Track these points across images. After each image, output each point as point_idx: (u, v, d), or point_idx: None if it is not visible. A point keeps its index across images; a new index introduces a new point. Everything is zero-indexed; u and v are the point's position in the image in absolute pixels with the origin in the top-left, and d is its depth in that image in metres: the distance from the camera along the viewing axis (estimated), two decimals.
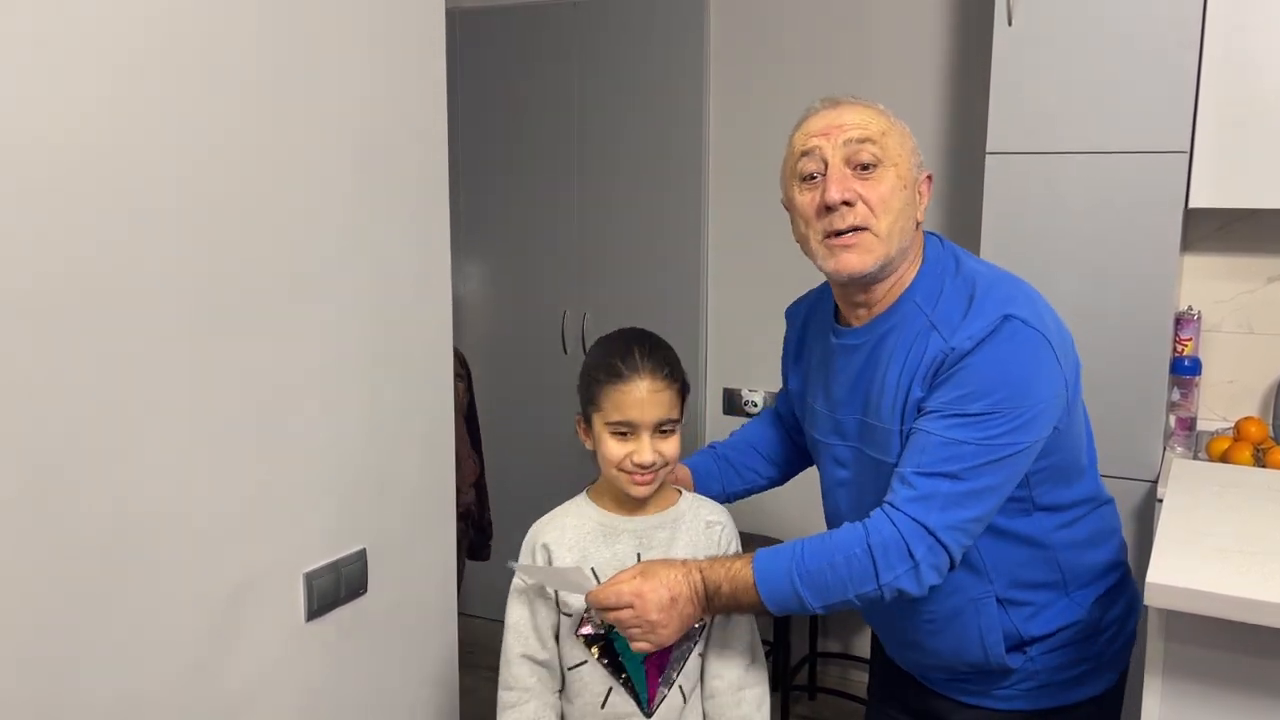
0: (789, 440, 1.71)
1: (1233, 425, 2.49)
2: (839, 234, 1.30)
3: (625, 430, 1.39)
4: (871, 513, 1.28)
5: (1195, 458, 2.48)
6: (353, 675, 1.68)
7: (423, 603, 1.83)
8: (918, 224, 1.36)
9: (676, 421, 1.41)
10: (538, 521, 1.51)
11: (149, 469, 1.32)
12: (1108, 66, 2.36)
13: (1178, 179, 2.33)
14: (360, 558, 1.67)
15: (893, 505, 1.26)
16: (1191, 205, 2.36)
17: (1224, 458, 2.35)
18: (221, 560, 1.43)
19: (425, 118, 1.74)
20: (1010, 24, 2.43)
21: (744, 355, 3.26)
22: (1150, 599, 1.12)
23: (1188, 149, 2.32)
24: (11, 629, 1.18)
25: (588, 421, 1.46)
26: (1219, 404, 2.67)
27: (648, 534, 1.44)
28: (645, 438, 1.38)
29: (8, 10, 1.12)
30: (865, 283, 1.34)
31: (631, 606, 1.27)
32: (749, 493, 1.69)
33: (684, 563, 1.33)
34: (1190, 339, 2.58)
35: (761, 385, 3.25)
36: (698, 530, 1.47)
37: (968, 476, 1.23)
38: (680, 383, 1.43)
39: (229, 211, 1.40)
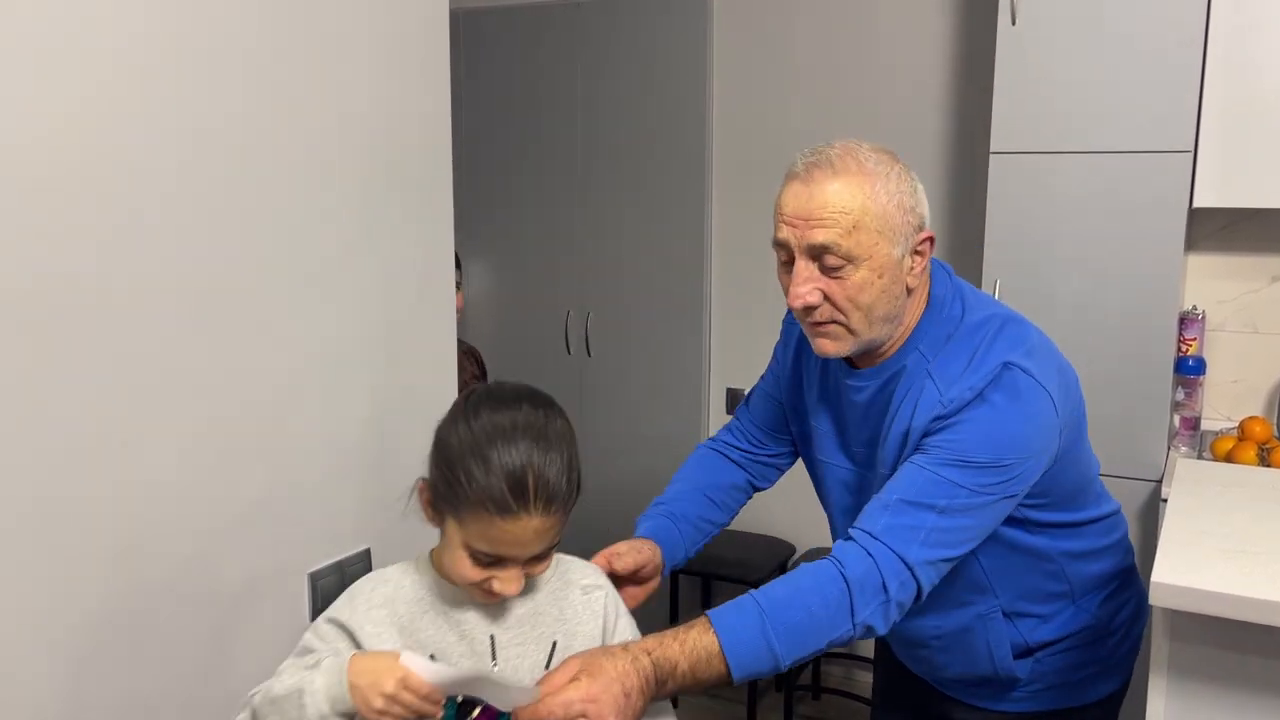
0: (738, 475, 1.57)
1: (1237, 425, 2.49)
2: (814, 323, 1.27)
3: (491, 561, 1.11)
4: (841, 543, 1.21)
5: (1199, 457, 2.47)
6: None
7: None
8: (909, 290, 1.27)
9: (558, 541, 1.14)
10: (345, 593, 1.22)
11: (152, 469, 1.32)
12: (1111, 66, 2.36)
13: (1182, 179, 2.33)
14: (364, 558, 1.67)
15: (870, 535, 1.18)
16: (1195, 205, 2.36)
17: (1228, 457, 2.35)
18: (226, 561, 1.43)
19: (430, 118, 1.74)
20: (1014, 23, 2.43)
21: (747, 354, 3.26)
22: (1155, 599, 1.11)
23: (1192, 148, 2.32)
24: (16, 630, 1.18)
25: (436, 507, 1.18)
26: (1223, 404, 2.67)
27: (503, 609, 1.16)
28: (517, 569, 1.11)
29: (17, 10, 1.13)
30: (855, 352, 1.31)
31: (585, 715, 1.04)
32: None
33: (624, 648, 1.12)
34: (1194, 339, 2.58)
35: None
36: (572, 598, 1.20)
37: (955, 513, 1.19)
38: (575, 497, 1.11)
39: (232, 211, 1.40)
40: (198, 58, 1.33)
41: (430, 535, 1.85)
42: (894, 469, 1.27)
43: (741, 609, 1.15)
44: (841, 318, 1.24)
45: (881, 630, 1.18)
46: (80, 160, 1.21)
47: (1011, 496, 1.24)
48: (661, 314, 3.27)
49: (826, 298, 1.23)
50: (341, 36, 1.54)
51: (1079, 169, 2.43)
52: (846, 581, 1.15)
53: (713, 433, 3.30)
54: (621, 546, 1.35)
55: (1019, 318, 1.32)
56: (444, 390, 1.83)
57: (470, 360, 2.21)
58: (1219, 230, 2.62)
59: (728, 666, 1.12)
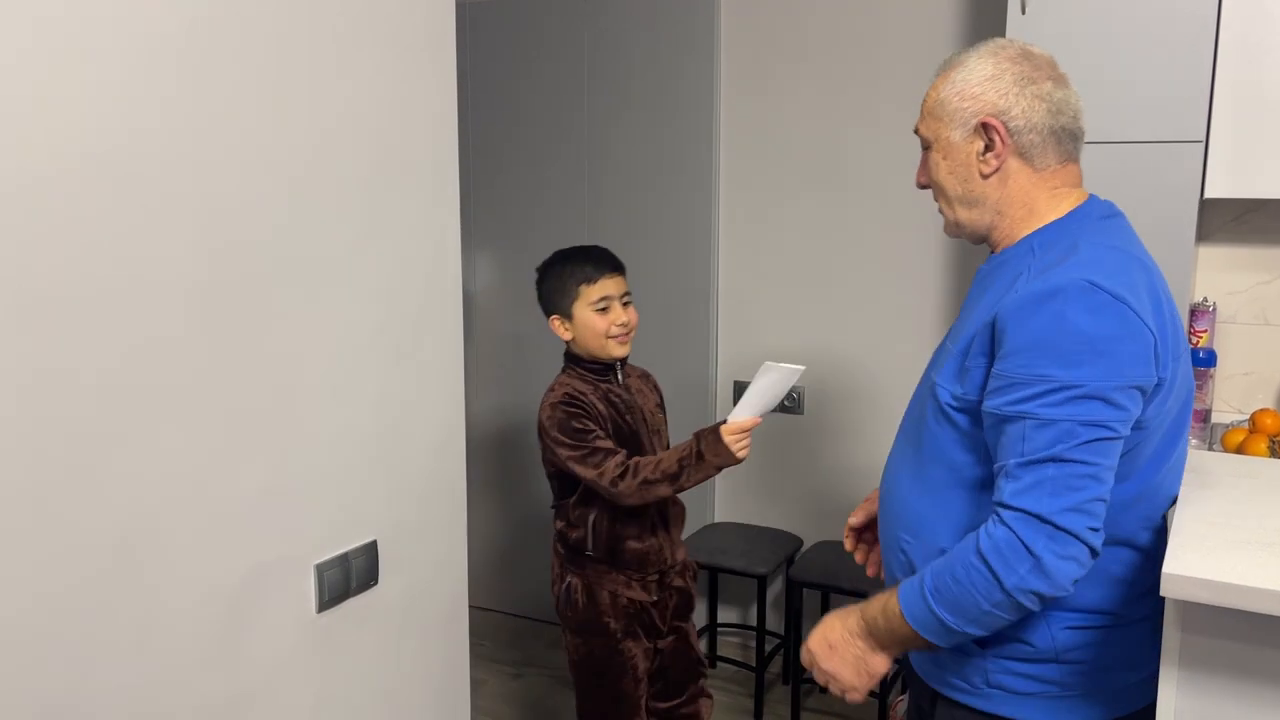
0: None
1: (1248, 417, 2.47)
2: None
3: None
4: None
5: (1210, 450, 2.46)
6: (364, 666, 1.69)
7: (434, 594, 1.83)
8: (983, 175, 1.34)
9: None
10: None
11: (161, 461, 1.32)
12: (1122, 55, 2.34)
13: (1193, 169, 2.31)
14: (371, 549, 1.67)
15: (1001, 504, 1.20)
16: (1207, 195, 2.34)
17: (1239, 450, 2.33)
18: (233, 552, 1.43)
19: (436, 111, 1.73)
20: (1024, 12, 2.42)
21: (754, 348, 3.25)
22: (1167, 590, 1.10)
23: (1203, 138, 2.30)
24: (24, 621, 1.19)
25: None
26: (1234, 396, 2.65)
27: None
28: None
29: (23, 10, 1.12)
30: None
31: (816, 666, 1.41)
32: None
33: (848, 610, 1.38)
34: (1205, 330, 2.57)
35: None
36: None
37: (1073, 456, 1.17)
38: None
39: (240, 204, 1.40)
40: (208, 52, 1.33)
41: (441, 527, 1.85)
42: (966, 344, 1.28)
43: (913, 586, 1.27)
44: (936, 198, 1.42)
45: (1052, 591, 1.19)
46: (96, 154, 1.21)
47: (1121, 432, 1.19)
48: (668, 307, 3.26)
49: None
50: (347, 29, 1.54)
51: (1089, 159, 2.37)
52: (982, 552, 1.20)
53: None
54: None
55: (1141, 263, 1.29)
56: (450, 382, 1.83)
57: (649, 385, 2.22)
58: (1230, 221, 2.60)
59: (910, 627, 1.27)
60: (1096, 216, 1.35)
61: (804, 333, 3.17)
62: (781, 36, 3.08)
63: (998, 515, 1.20)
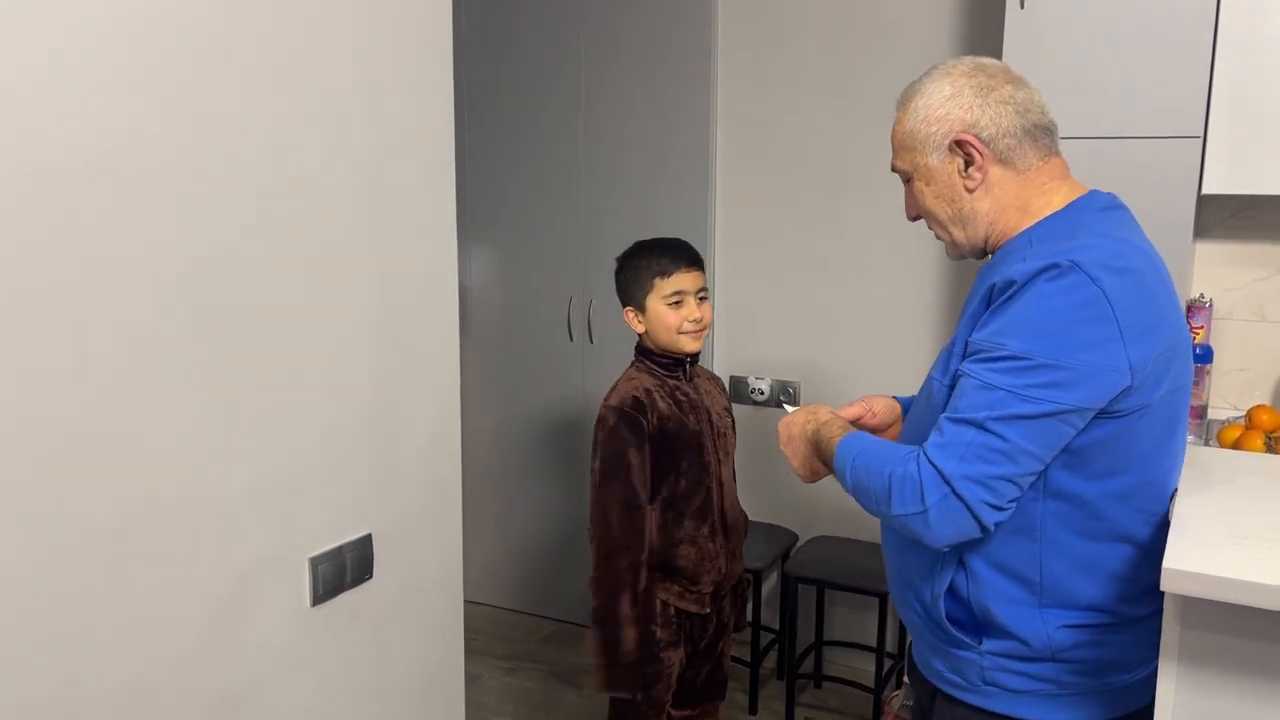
0: None
1: (1244, 414, 2.47)
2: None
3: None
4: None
5: (1206, 445, 2.46)
6: (359, 660, 1.68)
7: (429, 588, 1.82)
8: (969, 190, 1.36)
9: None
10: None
11: (155, 455, 1.31)
12: (1121, 50, 2.34)
13: (1191, 165, 2.31)
14: (366, 543, 1.66)
15: (923, 449, 1.25)
16: (1205, 191, 2.33)
17: (1235, 446, 2.33)
18: (228, 545, 1.43)
19: (433, 104, 1.72)
20: (1023, 7, 2.41)
21: (751, 343, 3.25)
22: (1167, 585, 1.10)
23: (1201, 134, 2.30)
24: (20, 616, 1.18)
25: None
26: (1230, 392, 2.65)
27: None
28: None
29: (17, 12, 1.11)
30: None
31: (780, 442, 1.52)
32: None
33: (816, 410, 1.49)
34: (1202, 327, 2.57)
35: (768, 374, 3.24)
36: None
37: (996, 428, 1.19)
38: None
39: (235, 198, 1.39)
40: (204, 48, 1.32)
41: (436, 521, 1.85)
42: (967, 333, 1.30)
43: (858, 441, 1.36)
44: (931, 225, 1.43)
45: (930, 540, 1.24)
46: (92, 150, 1.20)
47: (1062, 413, 1.19)
48: None
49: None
50: (344, 23, 1.53)
51: (1087, 154, 2.38)
52: (890, 475, 1.26)
53: None
54: (879, 406, 1.60)
55: (1138, 250, 1.28)
56: (446, 376, 1.82)
57: (717, 387, 2.17)
58: (1228, 217, 2.60)
59: (833, 466, 1.39)
60: (1097, 208, 1.35)
61: (799, 329, 3.17)
62: (779, 34, 3.07)
63: (919, 456, 1.24)
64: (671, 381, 2.04)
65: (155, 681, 1.35)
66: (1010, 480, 1.21)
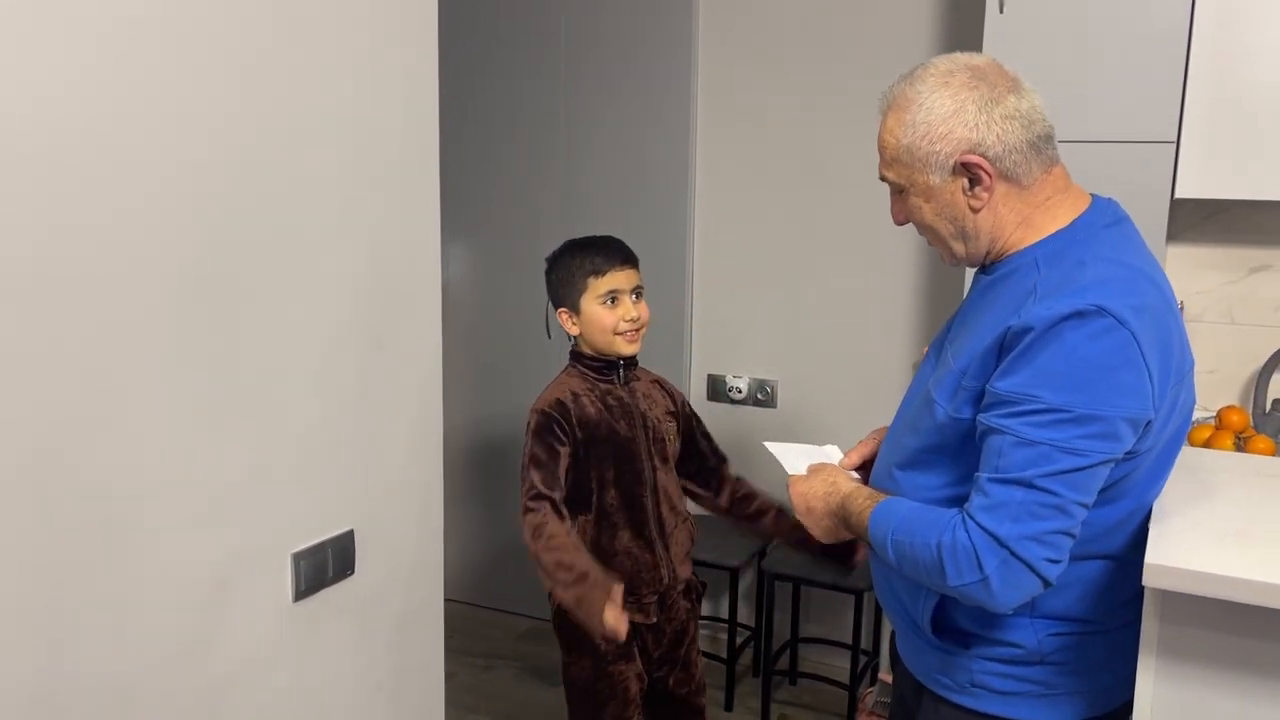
0: None
1: (1214, 414, 2.51)
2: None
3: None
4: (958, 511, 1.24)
5: None
6: (339, 656, 1.67)
7: (410, 584, 1.82)
8: (974, 209, 1.30)
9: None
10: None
11: (136, 450, 1.30)
12: (1097, 55, 2.37)
13: (1164, 169, 2.35)
14: (348, 539, 1.65)
15: (968, 513, 1.21)
16: (1178, 195, 2.37)
17: (1206, 446, 2.37)
18: (210, 540, 1.42)
19: (416, 99, 1.72)
20: (1001, 11, 2.44)
21: (728, 341, 3.26)
22: (1150, 580, 1.12)
23: (1175, 139, 2.33)
24: None
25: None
26: (1201, 393, 2.69)
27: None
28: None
29: (5, 3, 1.10)
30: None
31: (795, 511, 1.51)
32: None
33: (835, 480, 1.47)
34: None
35: (746, 372, 3.25)
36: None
37: (1045, 484, 1.16)
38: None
39: (218, 192, 1.38)
40: (186, 39, 1.31)
41: (418, 518, 1.84)
42: (967, 362, 1.26)
43: (894, 509, 1.32)
44: (925, 235, 1.38)
45: (995, 607, 1.21)
46: (73, 139, 1.19)
47: (1104, 461, 1.18)
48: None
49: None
50: (326, 17, 1.52)
51: (1062, 158, 2.42)
52: (940, 545, 1.22)
53: None
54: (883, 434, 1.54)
55: (1147, 278, 1.25)
56: (428, 372, 1.82)
57: (661, 391, 2.07)
58: (1200, 221, 2.64)
59: (869, 539, 1.34)
60: (1101, 226, 1.31)
61: (778, 328, 3.18)
62: (760, 28, 3.09)
63: (965, 521, 1.20)
64: (603, 385, 1.95)
65: (136, 675, 1.33)
66: (1066, 533, 1.19)
